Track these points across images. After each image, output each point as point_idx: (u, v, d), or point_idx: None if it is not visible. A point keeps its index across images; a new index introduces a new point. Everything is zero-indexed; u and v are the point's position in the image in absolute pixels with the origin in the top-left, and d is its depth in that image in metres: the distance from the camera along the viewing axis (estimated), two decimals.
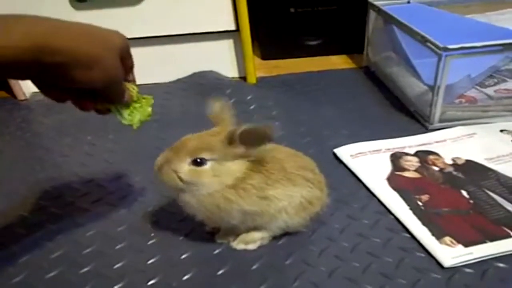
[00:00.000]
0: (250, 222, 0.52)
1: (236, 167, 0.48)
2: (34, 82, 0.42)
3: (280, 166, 0.51)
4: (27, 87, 1.06)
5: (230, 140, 0.47)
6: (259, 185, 0.49)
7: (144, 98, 0.52)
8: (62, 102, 0.46)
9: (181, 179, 0.48)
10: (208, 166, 0.47)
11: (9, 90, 1.04)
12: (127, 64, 0.46)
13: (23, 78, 0.38)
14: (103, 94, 0.45)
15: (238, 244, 0.55)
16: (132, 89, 0.50)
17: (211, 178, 0.48)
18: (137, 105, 0.51)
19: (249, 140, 0.46)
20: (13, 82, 1.02)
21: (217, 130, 0.50)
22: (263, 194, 0.49)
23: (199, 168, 0.47)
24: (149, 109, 0.52)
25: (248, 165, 0.49)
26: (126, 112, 0.50)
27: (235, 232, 0.56)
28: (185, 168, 0.47)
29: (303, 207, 0.52)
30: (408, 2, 1.01)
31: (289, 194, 0.51)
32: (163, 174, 0.48)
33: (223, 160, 0.48)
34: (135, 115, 0.51)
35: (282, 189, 0.50)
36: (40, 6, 0.92)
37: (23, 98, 1.04)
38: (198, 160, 0.47)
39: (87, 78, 0.38)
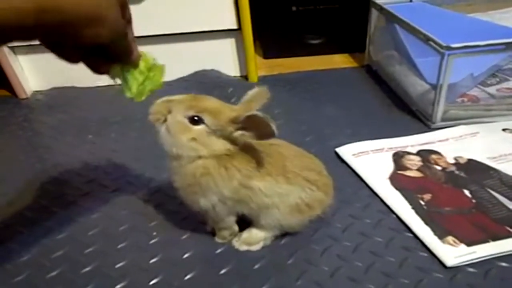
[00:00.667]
0: (231, 209, 0.51)
1: (219, 145, 0.47)
2: (42, 43, 0.41)
3: (281, 162, 0.50)
4: (28, 86, 1.06)
5: (235, 119, 0.46)
6: (245, 172, 0.48)
7: (157, 67, 0.49)
8: (75, 63, 0.44)
9: (163, 121, 0.47)
10: (200, 127, 0.46)
11: (10, 88, 1.04)
12: (125, 16, 0.44)
13: (29, 39, 0.37)
14: (111, 52, 0.44)
15: (241, 245, 0.55)
16: (146, 56, 0.47)
17: (191, 140, 0.46)
18: (151, 73, 0.48)
19: (252, 126, 0.45)
20: (14, 81, 1.02)
21: (237, 108, 0.48)
22: (246, 182, 0.48)
23: (189, 125, 0.46)
24: (161, 78, 0.49)
25: (237, 151, 0.48)
26: (136, 81, 0.47)
27: (230, 229, 0.55)
28: (177, 117, 0.47)
29: (299, 209, 0.51)
30: (411, 1, 1.01)
31: (280, 191, 0.49)
32: (157, 105, 0.48)
33: (215, 134, 0.47)
34: (146, 84, 0.48)
35: (271, 184, 0.49)
36: None
37: (24, 96, 1.04)
38: (196, 118, 0.46)
39: (92, 34, 0.37)
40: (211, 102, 0.48)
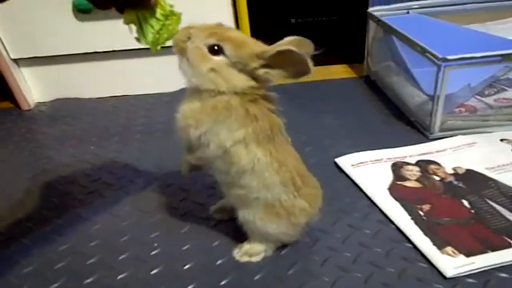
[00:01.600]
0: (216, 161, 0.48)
1: (240, 80, 0.44)
2: None
3: (284, 152, 0.48)
4: (31, 97, 1.07)
5: (262, 54, 0.43)
6: (233, 124, 0.44)
7: (174, 15, 0.46)
8: (108, 9, 0.43)
9: (182, 48, 0.44)
10: (219, 58, 0.43)
11: (14, 100, 1.05)
12: None
13: None
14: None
15: (242, 257, 0.55)
16: (162, 3, 0.44)
17: (210, 70, 0.43)
18: (167, 22, 0.45)
19: (282, 63, 0.42)
20: (17, 92, 1.03)
21: (266, 46, 0.45)
22: (251, 141, 0.45)
23: (208, 54, 0.43)
24: (178, 27, 0.46)
25: (250, 105, 0.45)
26: (152, 28, 0.44)
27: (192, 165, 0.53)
28: (196, 44, 0.43)
29: (276, 212, 0.49)
30: (407, 13, 1.02)
31: (266, 177, 0.47)
32: (178, 33, 0.45)
33: (236, 67, 0.44)
34: (162, 33, 0.45)
35: (266, 165, 0.46)
36: (46, 17, 0.93)
37: (27, 108, 1.05)
38: (216, 47, 0.43)
39: None
40: (235, 32, 0.45)
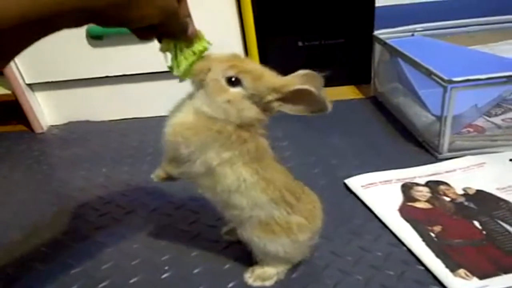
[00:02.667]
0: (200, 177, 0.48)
1: (252, 112, 0.44)
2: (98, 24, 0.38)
3: (271, 171, 0.48)
4: (44, 120, 1.10)
5: (280, 88, 0.44)
6: (222, 146, 0.44)
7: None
8: (148, 39, 0.43)
9: (201, 80, 0.44)
10: (236, 90, 0.44)
11: (27, 123, 1.08)
12: None
13: (78, 25, 0.35)
14: (162, 30, 0.42)
15: (255, 281, 0.55)
16: (202, 37, 0.45)
17: (226, 102, 0.44)
18: (202, 56, 0.46)
19: (299, 100, 0.43)
20: (31, 116, 1.06)
21: (281, 77, 0.46)
22: (217, 156, 0.45)
23: (225, 86, 0.44)
24: None
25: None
26: (186, 60, 0.45)
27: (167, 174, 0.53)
28: (215, 76, 0.44)
29: (271, 230, 0.49)
30: (412, 35, 1.04)
31: (254, 196, 0.47)
32: (198, 64, 0.45)
33: (251, 99, 0.44)
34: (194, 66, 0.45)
35: (252, 184, 0.46)
36: (60, 44, 0.97)
37: (40, 131, 1.08)
38: (234, 79, 0.44)
39: (139, 15, 0.36)
40: (253, 65, 0.45)
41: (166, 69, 1.14)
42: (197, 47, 0.45)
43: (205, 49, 0.46)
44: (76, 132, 1.06)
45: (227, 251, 0.61)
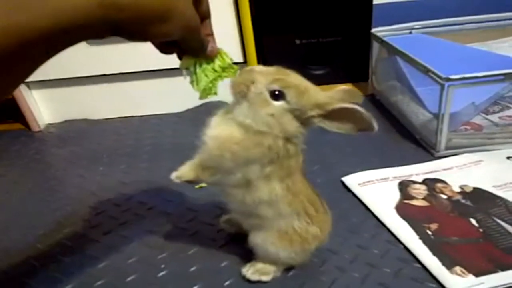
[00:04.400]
0: (232, 190, 0.48)
1: (293, 126, 0.44)
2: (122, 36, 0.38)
3: (298, 184, 0.49)
4: (41, 119, 1.09)
5: (324, 105, 0.43)
6: (266, 161, 0.44)
7: (232, 68, 0.46)
8: (170, 54, 0.44)
9: (244, 92, 0.43)
10: (279, 104, 0.43)
11: (24, 122, 1.07)
12: (201, 9, 0.42)
13: (100, 37, 0.36)
14: (183, 46, 0.42)
15: (253, 275, 0.55)
16: (223, 55, 0.45)
17: (270, 115, 0.43)
18: (223, 73, 0.45)
19: (344, 118, 0.43)
20: (28, 114, 1.06)
21: (323, 92, 0.45)
22: (259, 171, 0.45)
23: (270, 100, 0.43)
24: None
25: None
26: (206, 78, 0.44)
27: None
28: (259, 89, 0.43)
29: (289, 239, 0.50)
30: (410, 33, 1.04)
31: (279, 207, 0.47)
32: (240, 76, 0.44)
33: (293, 113, 0.44)
34: (216, 83, 0.45)
35: (282, 196, 0.47)
36: None
37: (37, 129, 1.08)
38: (277, 92, 0.43)
39: (161, 31, 0.36)
40: (297, 79, 0.44)
41: (163, 67, 1.14)
42: (218, 64, 0.44)
43: (227, 65, 0.45)
44: (73, 131, 1.06)
45: (224, 249, 0.61)
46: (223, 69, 0.45)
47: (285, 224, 0.50)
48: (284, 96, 0.43)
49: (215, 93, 0.46)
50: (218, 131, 0.46)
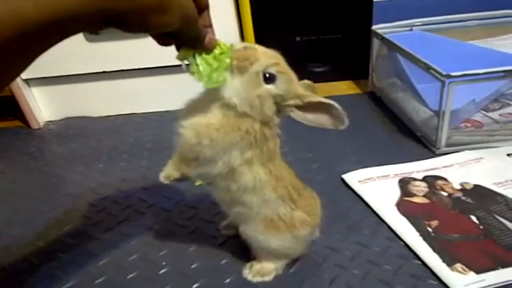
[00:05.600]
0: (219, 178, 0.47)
1: (271, 111, 0.45)
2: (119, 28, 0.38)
3: (283, 169, 0.50)
4: (41, 116, 1.09)
5: (303, 97, 0.45)
6: (247, 145, 0.45)
7: (231, 50, 0.45)
8: (168, 45, 0.43)
9: (244, 67, 0.43)
10: (268, 87, 0.44)
11: (24, 119, 1.07)
12: (200, 1, 0.41)
13: (97, 28, 0.36)
14: (180, 37, 0.41)
15: (254, 277, 0.55)
16: (222, 45, 0.44)
17: (257, 97, 0.44)
18: (227, 59, 0.44)
19: (317, 110, 0.45)
20: (27, 112, 1.05)
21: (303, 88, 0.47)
22: (241, 156, 0.45)
23: (261, 80, 0.44)
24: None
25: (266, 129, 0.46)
26: (210, 66, 0.43)
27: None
28: (257, 69, 0.43)
29: (275, 226, 0.50)
30: (411, 30, 1.04)
31: (264, 193, 0.48)
32: (245, 51, 0.44)
33: (275, 98, 0.45)
34: (221, 70, 0.44)
35: (266, 182, 0.47)
36: None
37: (37, 127, 1.07)
38: (269, 75, 0.44)
39: (159, 22, 0.36)
40: (288, 68, 0.46)
41: (163, 64, 1.13)
42: (218, 52, 0.43)
43: (227, 51, 0.44)
44: (73, 128, 1.06)
45: (225, 247, 0.61)
46: (223, 54, 0.44)
47: (271, 211, 0.49)
48: (275, 80, 0.44)
49: (224, 80, 0.44)
50: (195, 120, 0.45)
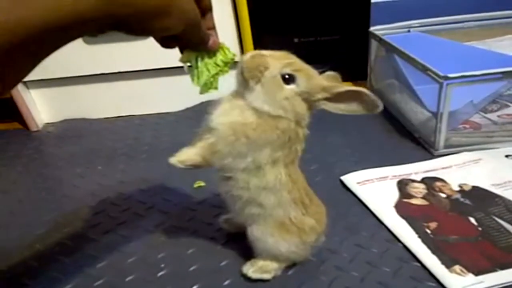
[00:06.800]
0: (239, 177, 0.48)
1: (302, 108, 0.46)
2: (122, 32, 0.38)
3: (298, 173, 0.51)
4: (39, 118, 1.09)
5: (330, 89, 0.45)
6: (278, 145, 0.45)
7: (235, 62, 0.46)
8: (171, 48, 0.43)
9: (258, 76, 0.44)
10: (291, 87, 0.45)
11: (22, 121, 1.07)
12: (202, 3, 0.42)
13: (101, 32, 0.36)
14: (184, 40, 0.42)
15: (255, 273, 0.55)
16: (225, 49, 0.45)
17: (285, 99, 0.44)
18: (225, 68, 0.45)
19: (347, 99, 0.46)
20: (26, 114, 1.05)
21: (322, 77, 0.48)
22: (270, 155, 0.46)
23: (281, 83, 0.44)
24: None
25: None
26: (207, 72, 0.44)
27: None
28: (274, 73, 0.44)
29: (287, 229, 0.50)
30: (408, 31, 1.04)
31: (280, 195, 0.48)
32: (253, 59, 0.44)
33: (301, 96, 0.45)
34: (216, 79, 0.44)
35: (286, 183, 0.48)
36: None
37: (35, 129, 1.07)
38: (288, 76, 0.44)
39: (162, 25, 0.36)
40: (304, 64, 0.46)
41: (162, 66, 1.13)
42: (220, 58, 0.44)
43: (230, 60, 0.45)
44: (71, 130, 1.06)
45: (224, 249, 0.61)
46: (225, 63, 0.45)
47: (283, 213, 0.50)
48: (295, 79, 0.45)
49: (216, 88, 0.46)
50: (232, 117, 0.45)
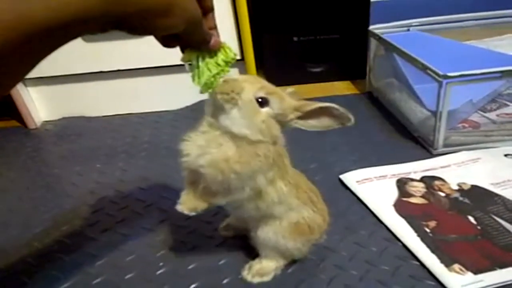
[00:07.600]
0: (244, 202, 0.49)
1: (277, 130, 0.46)
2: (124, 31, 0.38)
3: (295, 175, 0.52)
4: (38, 116, 1.09)
5: (301, 108, 0.47)
6: (268, 168, 0.46)
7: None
8: (172, 47, 0.43)
9: (234, 99, 0.43)
10: (265, 110, 0.45)
11: (20, 119, 1.06)
12: (204, 2, 0.42)
13: (102, 31, 0.35)
14: (185, 39, 0.42)
15: (254, 277, 0.55)
16: (226, 49, 0.45)
17: (262, 122, 0.45)
18: (226, 68, 0.45)
19: (319, 115, 0.47)
20: (24, 112, 1.05)
21: (297, 99, 0.48)
22: (265, 179, 0.46)
23: (257, 107, 0.45)
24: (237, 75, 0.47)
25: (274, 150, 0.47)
26: (208, 71, 0.43)
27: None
28: (250, 97, 0.44)
29: (300, 230, 0.52)
30: (408, 30, 1.04)
31: (290, 202, 0.50)
32: (227, 84, 0.44)
33: (276, 118, 0.46)
34: (218, 78, 0.44)
35: (289, 192, 0.49)
36: None
37: (34, 127, 1.07)
38: (261, 100, 0.45)
39: (163, 25, 0.36)
40: (274, 86, 0.47)
41: (161, 64, 1.13)
42: (221, 57, 0.44)
43: (231, 60, 0.45)
44: (70, 128, 1.05)
45: (222, 247, 0.61)
46: (226, 63, 0.44)
47: (296, 215, 0.51)
48: (268, 102, 0.45)
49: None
50: (211, 155, 0.45)
